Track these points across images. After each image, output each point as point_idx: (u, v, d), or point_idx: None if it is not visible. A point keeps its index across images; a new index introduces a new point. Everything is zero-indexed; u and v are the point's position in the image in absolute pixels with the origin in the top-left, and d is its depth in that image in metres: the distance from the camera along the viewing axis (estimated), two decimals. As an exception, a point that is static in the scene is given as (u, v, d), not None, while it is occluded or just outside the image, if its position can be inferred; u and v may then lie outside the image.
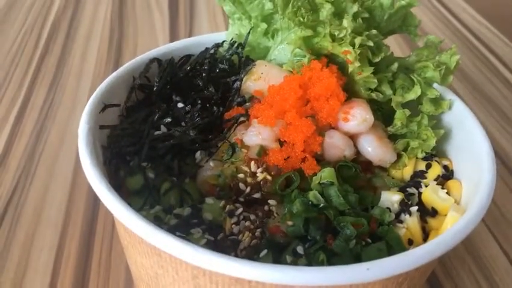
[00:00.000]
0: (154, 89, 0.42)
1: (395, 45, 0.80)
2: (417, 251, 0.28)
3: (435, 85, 0.42)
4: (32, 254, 0.48)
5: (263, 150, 0.38)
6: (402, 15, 0.45)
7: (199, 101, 0.42)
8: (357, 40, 0.39)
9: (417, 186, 0.38)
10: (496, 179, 0.35)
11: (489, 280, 0.50)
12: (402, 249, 0.33)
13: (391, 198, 0.36)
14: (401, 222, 0.35)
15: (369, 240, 0.34)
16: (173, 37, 0.79)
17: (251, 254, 0.33)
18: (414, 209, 0.36)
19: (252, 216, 0.36)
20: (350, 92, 0.41)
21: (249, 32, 0.44)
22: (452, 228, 0.30)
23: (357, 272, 0.27)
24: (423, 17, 0.91)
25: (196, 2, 0.91)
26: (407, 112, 0.39)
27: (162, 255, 0.31)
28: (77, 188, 0.54)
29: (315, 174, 0.36)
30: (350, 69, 0.39)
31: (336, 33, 0.39)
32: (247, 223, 0.35)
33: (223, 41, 0.46)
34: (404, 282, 0.31)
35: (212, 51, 0.45)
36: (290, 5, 0.40)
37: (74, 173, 0.56)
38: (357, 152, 0.39)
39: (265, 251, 0.33)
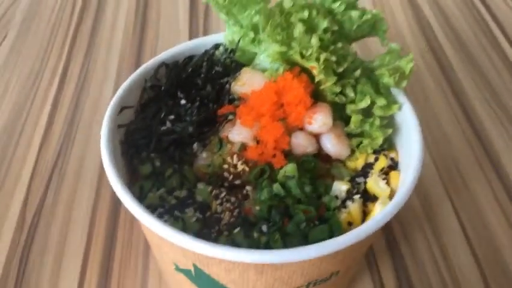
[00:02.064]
0: (162, 88, 0.53)
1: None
2: (338, 239, 0.39)
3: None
4: (74, 208, 0.62)
5: (243, 147, 0.48)
6: (371, 23, 0.52)
7: (198, 98, 0.52)
8: (322, 56, 0.47)
9: (366, 175, 0.48)
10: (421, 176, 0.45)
11: (439, 242, 0.60)
12: (341, 230, 0.44)
13: (340, 187, 0.47)
14: (346, 207, 0.46)
15: (317, 223, 0.44)
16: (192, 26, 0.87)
17: (230, 229, 0.45)
18: (357, 197, 0.46)
19: (233, 199, 0.47)
20: (319, 94, 0.50)
21: (239, 40, 0.53)
22: (370, 221, 0.40)
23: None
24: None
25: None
26: (360, 117, 0.48)
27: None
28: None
29: (281, 167, 0.47)
30: (316, 80, 0.48)
31: (303, 52, 0.47)
32: (228, 204, 0.46)
33: (219, 45, 0.55)
34: (337, 256, 0.42)
35: (211, 52, 0.55)
36: (269, 24, 0.48)
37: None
38: (320, 147, 0.49)
39: (238, 228, 0.44)
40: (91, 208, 0.61)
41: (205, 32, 0.83)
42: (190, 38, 0.82)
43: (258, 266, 0.40)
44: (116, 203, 0.62)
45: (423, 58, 0.82)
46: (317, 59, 0.47)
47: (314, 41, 0.47)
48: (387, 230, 0.61)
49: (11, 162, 0.66)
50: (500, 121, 0.73)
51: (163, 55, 0.54)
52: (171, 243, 0.40)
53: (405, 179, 0.44)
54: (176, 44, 0.55)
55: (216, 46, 0.55)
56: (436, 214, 0.62)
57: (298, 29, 0.48)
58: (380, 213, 0.41)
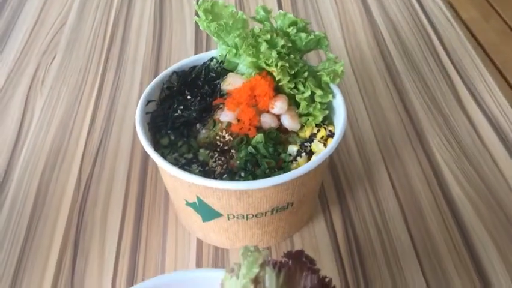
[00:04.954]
0: (175, 88, 0.77)
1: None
2: (284, 175, 0.63)
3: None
4: (114, 175, 0.86)
5: (229, 124, 0.72)
6: (316, 40, 0.77)
7: (199, 94, 0.77)
8: (279, 63, 0.71)
9: (311, 141, 0.72)
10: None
11: (375, 194, 0.84)
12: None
13: (293, 149, 0.71)
14: (296, 161, 0.70)
15: (277, 170, 0.69)
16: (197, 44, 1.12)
17: (221, 177, 0.69)
18: (303, 154, 0.70)
19: (223, 158, 0.71)
20: (280, 89, 0.74)
21: (226, 55, 0.77)
22: (307, 164, 0.64)
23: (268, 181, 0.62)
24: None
25: None
26: (306, 103, 0.72)
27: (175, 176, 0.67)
28: (136, 138, 0.92)
29: (254, 136, 0.71)
30: (277, 79, 0.73)
31: (267, 61, 0.72)
32: (219, 161, 0.70)
33: (214, 58, 0.79)
34: (287, 189, 0.66)
35: (208, 63, 0.79)
36: (244, 44, 0.73)
37: (134, 131, 0.93)
38: (281, 123, 0.73)
39: (225, 175, 0.69)
40: (126, 173, 0.86)
41: (207, 48, 1.08)
42: (195, 52, 1.07)
43: (237, 194, 0.64)
44: (144, 169, 0.87)
45: (376, 62, 1.07)
46: (276, 65, 0.72)
47: (274, 54, 0.72)
48: (338, 184, 0.85)
49: (68, 146, 0.91)
50: (428, 107, 0.96)
51: (175, 66, 0.79)
52: (182, 181, 0.65)
53: (331, 143, 0.68)
54: (184, 58, 0.80)
55: (211, 59, 0.79)
56: (374, 174, 0.86)
57: (263, 47, 0.72)
58: (311, 161, 0.65)
